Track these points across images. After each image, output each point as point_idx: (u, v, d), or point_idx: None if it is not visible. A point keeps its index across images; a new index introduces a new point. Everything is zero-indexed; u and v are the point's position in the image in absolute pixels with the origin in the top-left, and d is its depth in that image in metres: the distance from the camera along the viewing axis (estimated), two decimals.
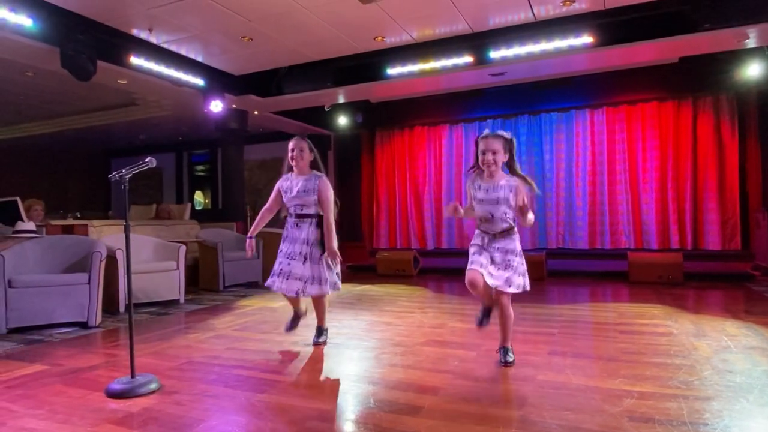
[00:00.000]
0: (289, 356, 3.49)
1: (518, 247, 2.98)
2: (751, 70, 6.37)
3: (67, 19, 5.11)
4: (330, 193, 3.57)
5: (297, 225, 3.56)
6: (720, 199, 7.40)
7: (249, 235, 3.66)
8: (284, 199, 3.63)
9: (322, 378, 3.00)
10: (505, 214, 2.93)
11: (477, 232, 3.07)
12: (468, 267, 2.97)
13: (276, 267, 3.56)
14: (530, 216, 2.86)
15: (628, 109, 7.93)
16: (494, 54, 6.02)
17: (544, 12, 5.53)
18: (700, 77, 7.22)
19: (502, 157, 2.94)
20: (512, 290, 2.92)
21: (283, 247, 3.59)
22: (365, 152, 9.97)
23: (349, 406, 2.54)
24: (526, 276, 2.99)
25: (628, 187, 7.91)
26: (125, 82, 6.49)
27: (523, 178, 2.97)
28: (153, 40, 5.91)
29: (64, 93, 7.97)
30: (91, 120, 9.60)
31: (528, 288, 2.98)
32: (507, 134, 3.00)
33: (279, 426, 2.30)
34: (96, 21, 5.35)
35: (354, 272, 8.67)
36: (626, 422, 2.22)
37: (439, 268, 8.28)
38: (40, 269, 4.67)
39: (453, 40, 6.19)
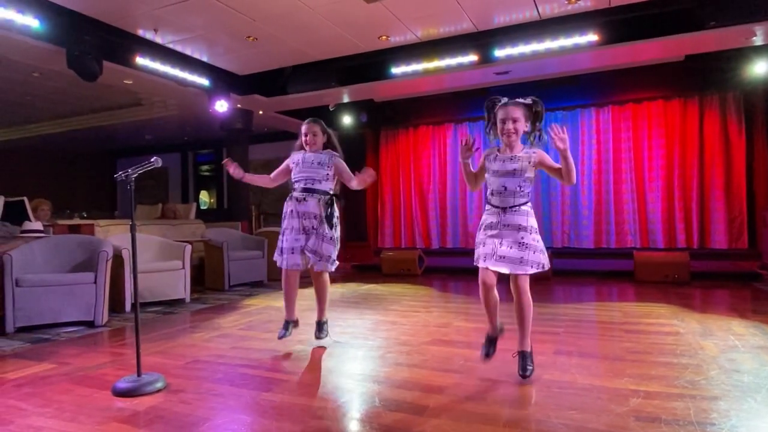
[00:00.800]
0: (295, 355, 3.49)
1: (533, 223, 2.70)
2: (758, 68, 6.32)
3: (74, 20, 5.14)
4: (346, 168, 3.52)
5: (304, 199, 3.40)
6: (726, 198, 7.36)
7: (243, 175, 3.57)
8: (293, 173, 3.49)
9: (327, 377, 3.00)
10: (520, 187, 2.67)
11: (487, 207, 2.80)
12: (477, 263, 2.78)
13: (281, 244, 3.46)
14: (570, 163, 2.58)
15: (633, 108, 7.89)
16: (499, 53, 6.01)
17: (549, 10, 5.51)
18: (707, 75, 7.17)
19: (523, 126, 2.67)
20: (530, 271, 2.63)
21: (287, 224, 3.46)
22: (370, 151, 9.97)
23: (355, 405, 2.54)
24: (545, 253, 2.71)
25: (634, 185, 7.88)
26: (131, 82, 6.53)
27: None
28: (158, 40, 5.93)
29: (70, 93, 8.02)
30: (97, 120, 9.66)
31: (547, 266, 2.68)
32: (528, 100, 2.73)
33: (284, 424, 2.31)
34: (102, 22, 5.38)
35: (359, 271, 8.67)
36: (632, 422, 2.21)
37: (444, 268, 8.27)
38: (47, 269, 4.70)
39: (458, 38, 6.18)
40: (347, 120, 8.88)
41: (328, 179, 3.48)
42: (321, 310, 3.64)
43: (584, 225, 8.15)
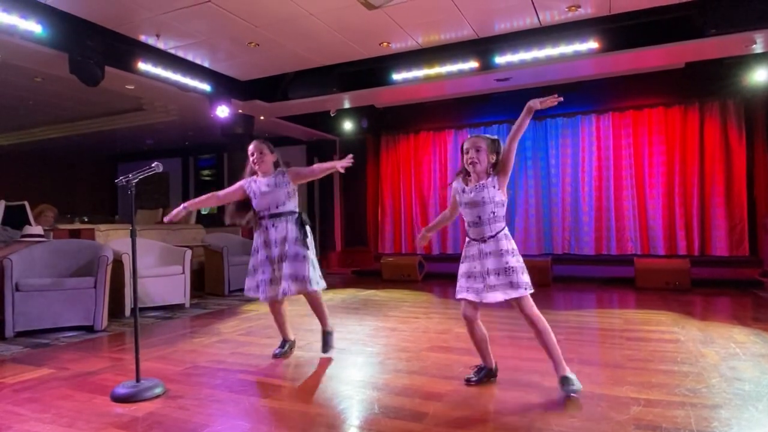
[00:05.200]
0: (294, 361, 3.49)
1: (513, 246, 2.75)
2: (758, 76, 6.33)
3: (76, 25, 5.16)
4: (301, 168, 3.55)
5: (273, 225, 3.37)
6: (727, 205, 7.35)
7: (185, 204, 3.37)
8: (254, 204, 3.44)
9: (326, 383, 2.99)
10: (493, 214, 2.72)
11: (467, 240, 2.85)
12: (457, 294, 2.81)
13: (256, 275, 3.42)
14: (524, 122, 2.74)
15: (634, 115, 7.90)
16: (500, 59, 6.03)
17: (549, 18, 5.53)
18: (707, 82, 7.18)
19: (486, 156, 2.74)
20: (524, 292, 2.66)
21: (259, 254, 3.42)
22: (370, 157, 9.99)
23: (354, 412, 2.54)
24: (527, 274, 2.74)
25: (635, 192, 7.88)
26: (132, 87, 6.54)
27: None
28: (160, 45, 5.95)
29: (72, 98, 8.04)
30: (98, 125, 9.66)
31: (531, 289, 2.71)
32: (492, 136, 2.85)
33: (283, 431, 2.30)
34: (104, 27, 5.40)
35: (359, 277, 8.67)
36: (633, 430, 2.20)
37: (444, 273, 8.24)
38: (47, 273, 4.70)
39: (458, 45, 6.20)
40: (348, 126, 8.90)
41: (290, 197, 3.43)
42: (322, 323, 3.54)
43: (585, 231, 8.14)
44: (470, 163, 2.76)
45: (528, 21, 5.61)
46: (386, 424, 2.33)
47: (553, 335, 2.73)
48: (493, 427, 2.30)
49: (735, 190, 7.32)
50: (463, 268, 2.84)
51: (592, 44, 5.62)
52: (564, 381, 2.67)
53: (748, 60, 6.23)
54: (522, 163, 8.50)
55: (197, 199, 3.55)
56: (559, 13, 5.41)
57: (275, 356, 3.55)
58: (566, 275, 7.55)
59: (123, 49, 5.67)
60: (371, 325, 4.67)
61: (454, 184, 2.89)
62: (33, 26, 4.72)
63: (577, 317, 4.86)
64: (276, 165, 3.52)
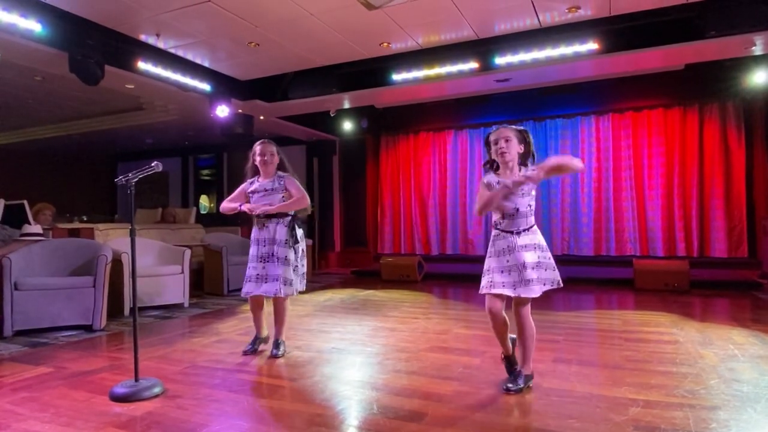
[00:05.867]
0: (293, 361, 3.48)
1: (544, 241, 2.79)
2: (758, 77, 6.34)
3: (76, 24, 5.16)
4: (298, 185, 3.59)
5: (265, 225, 3.55)
6: (726, 207, 7.36)
7: (240, 206, 3.59)
8: (251, 201, 3.62)
9: (325, 383, 2.99)
10: (530, 207, 2.73)
11: (496, 233, 2.79)
12: (488, 290, 2.70)
13: (249, 273, 3.55)
14: (559, 161, 2.68)
15: (633, 116, 7.91)
16: (499, 60, 6.03)
17: (549, 19, 5.53)
18: (707, 84, 7.20)
19: (516, 146, 2.71)
20: (553, 287, 2.72)
21: (252, 251, 3.59)
22: (370, 157, 9.99)
23: (353, 412, 2.54)
24: (557, 269, 2.78)
25: (634, 193, 7.89)
26: (132, 86, 6.54)
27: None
28: (160, 45, 5.95)
29: (72, 97, 8.03)
30: (98, 124, 9.66)
31: (560, 283, 2.74)
32: (519, 126, 2.81)
33: (281, 431, 2.30)
34: (104, 26, 5.40)
35: (358, 277, 8.66)
36: (632, 431, 2.20)
37: (444, 274, 8.26)
38: (46, 272, 4.69)
39: (458, 46, 6.20)
40: (348, 126, 8.91)
41: (283, 201, 3.58)
42: (278, 331, 3.66)
43: (584, 232, 8.15)
44: (500, 154, 2.73)
45: (528, 22, 5.62)
46: (385, 425, 2.33)
47: (534, 339, 2.80)
48: (492, 427, 2.30)
49: (734, 192, 7.33)
50: (493, 263, 2.76)
51: (592, 45, 5.62)
52: (519, 373, 2.79)
53: (747, 62, 6.24)
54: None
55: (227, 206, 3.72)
56: (559, 14, 5.41)
57: (245, 353, 3.65)
58: (565, 276, 7.51)
59: (123, 48, 5.66)
60: (370, 325, 4.67)
61: (487, 179, 2.80)
62: (33, 25, 4.72)
63: (576, 318, 4.86)
64: (280, 166, 3.66)
